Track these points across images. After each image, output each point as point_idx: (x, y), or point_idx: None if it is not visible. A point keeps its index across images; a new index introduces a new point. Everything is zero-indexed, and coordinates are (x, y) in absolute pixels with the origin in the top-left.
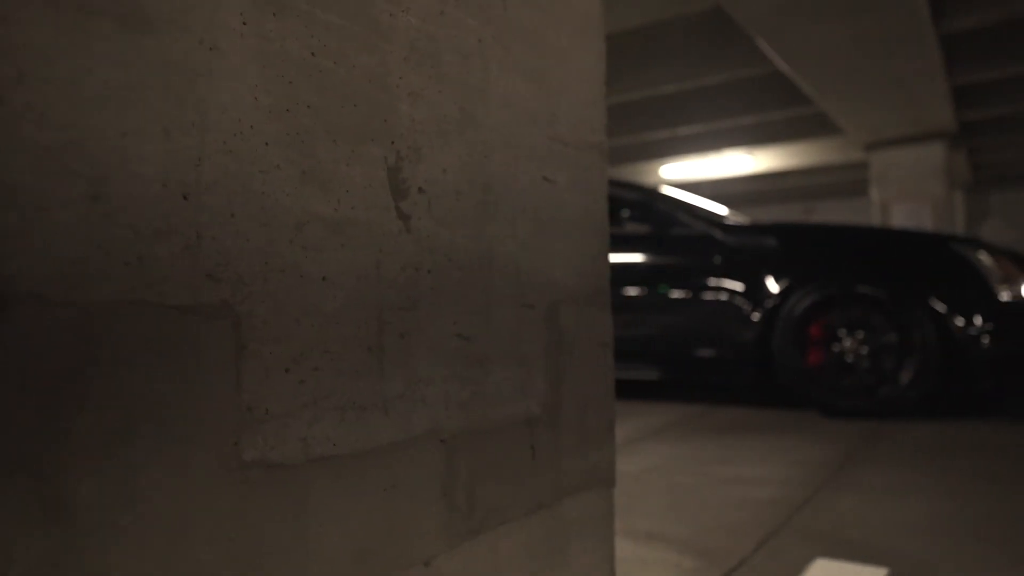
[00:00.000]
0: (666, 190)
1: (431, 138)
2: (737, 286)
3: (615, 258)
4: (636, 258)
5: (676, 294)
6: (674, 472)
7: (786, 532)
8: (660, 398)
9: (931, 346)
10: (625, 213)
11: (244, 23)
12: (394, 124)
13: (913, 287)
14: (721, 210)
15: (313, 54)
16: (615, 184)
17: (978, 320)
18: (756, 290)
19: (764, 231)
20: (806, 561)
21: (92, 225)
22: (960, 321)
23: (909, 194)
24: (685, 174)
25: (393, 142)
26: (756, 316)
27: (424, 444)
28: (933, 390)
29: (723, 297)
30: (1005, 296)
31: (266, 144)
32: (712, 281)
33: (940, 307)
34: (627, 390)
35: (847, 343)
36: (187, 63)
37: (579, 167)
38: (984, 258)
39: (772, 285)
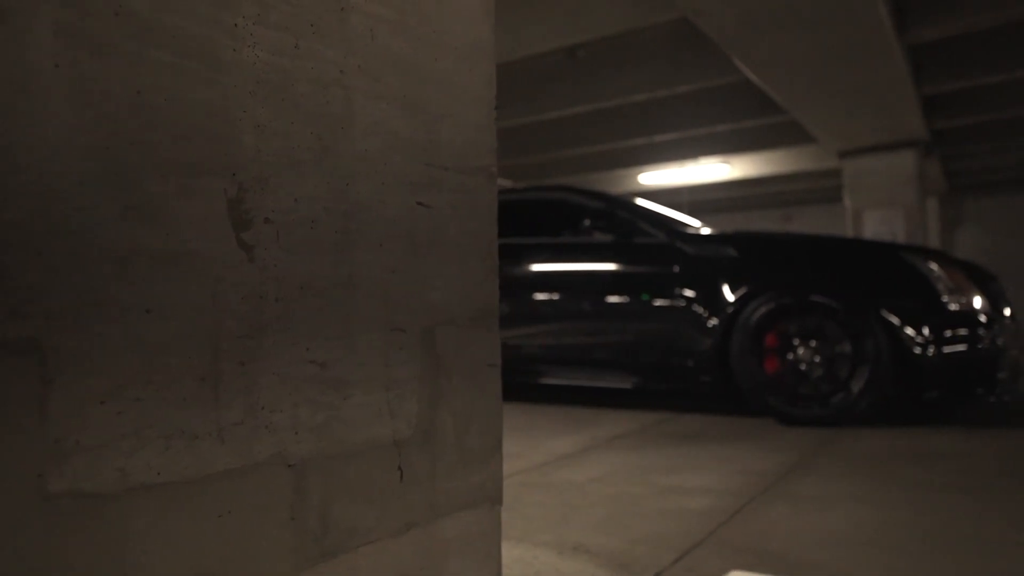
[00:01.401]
0: (628, 198)
1: (281, 168)
2: (696, 295)
3: (577, 267)
4: (597, 267)
5: (636, 303)
6: (618, 482)
7: (710, 544)
8: (624, 406)
9: (882, 355)
10: (587, 222)
11: (56, 65)
12: (236, 156)
13: (865, 296)
14: (683, 218)
15: (139, 92)
16: (578, 192)
17: (927, 329)
18: (714, 299)
19: (723, 240)
20: (722, 573)
21: None
22: (910, 330)
23: (881, 201)
24: (664, 181)
25: (235, 174)
26: (714, 325)
27: (268, 470)
28: (884, 398)
29: (683, 306)
30: (953, 306)
31: (81, 183)
32: (672, 290)
33: (891, 316)
34: (592, 397)
35: (802, 352)
36: None
37: (462, 191)
38: (934, 268)
39: (729, 294)
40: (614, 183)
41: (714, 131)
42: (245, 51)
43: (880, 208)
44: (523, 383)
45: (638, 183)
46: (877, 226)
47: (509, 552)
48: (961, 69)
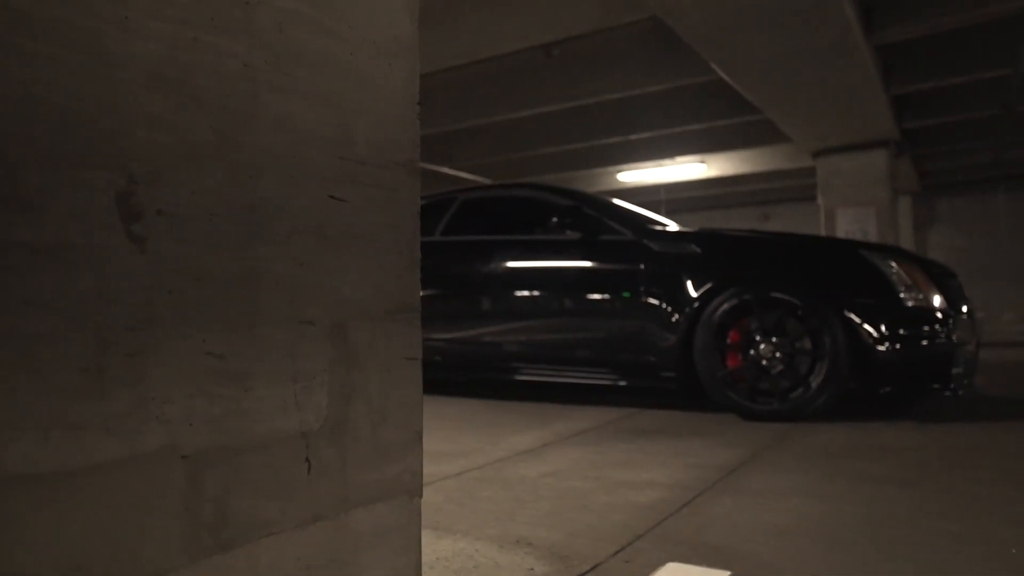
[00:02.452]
0: (596, 196)
1: (176, 162)
2: (661, 292)
3: (545, 264)
4: (565, 264)
5: (603, 300)
6: (570, 476)
7: (651, 536)
8: (593, 401)
9: (840, 350)
10: (554, 219)
11: None
12: (127, 149)
13: (824, 293)
14: (651, 216)
15: (20, 84)
16: (547, 189)
17: (884, 326)
18: (679, 296)
19: (687, 238)
20: (658, 565)
21: None
22: (867, 326)
23: (854, 200)
24: (642, 179)
25: (125, 166)
26: (679, 321)
27: (159, 461)
28: (842, 393)
29: (648, 302)
30: (910, 302)
31: None
32: (638, 287)
33: (849, 312)
34: (562, 393)
35: (763, 347)
36: None
37: (381, 186)
38: (892, 265)
39: (693, 291)
40: (594, 181)
41: (689, 130)
42: (138, 44)
43: (852, 207)
44: (496, 380)
45: (617, 181)
46: (849, 224)
47: (453, 545)
48: (929, 70)
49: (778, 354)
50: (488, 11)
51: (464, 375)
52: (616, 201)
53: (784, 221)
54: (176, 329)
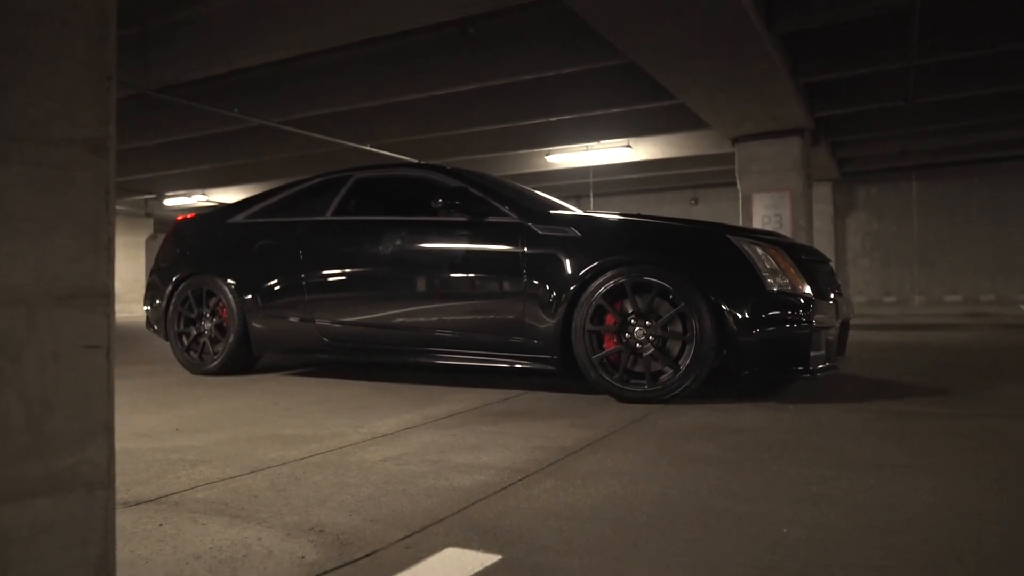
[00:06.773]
0: (485, 177)
1: None
2: (543, 274)
3: (432, 245)
4: (452, 246)
5: (487, 281)
6: (413, 460)
7: (449, 521)
8: (483, 383)
9: (706, 333)
10: (440, 201)
11: None
12: None
13: (693, 277)
14: (546, 198)
15: None
16: (436, 170)
17: (746, 310)
18: (559, 278)
19: (568, 222)
20: (438, 550)
21: None
22: (731, 310)
23: (769, 186)
24: (571, 162)
25: None
26: (558, 304)
27: None
28: (709, 376)
29: (529, 285)
30: (773, 287)
31: None
32: (521, 269)
33: (714, 296)
34: (455, 375)
35: (637, 331)
36: None
37: (46, 164)
38: (757, 250)
39: (573, 274)
40: (523, 163)
41: (611, 113)
42: None
43: (768, 192)
44: (384, 363)
45: (547, 163)
46: (765, 209)
47: (238, 534)
48: (835, 60)
49: (650, 337)
50: None
51: (352, 357)
52: (505, 182)
53: (713, 205)
54: None
